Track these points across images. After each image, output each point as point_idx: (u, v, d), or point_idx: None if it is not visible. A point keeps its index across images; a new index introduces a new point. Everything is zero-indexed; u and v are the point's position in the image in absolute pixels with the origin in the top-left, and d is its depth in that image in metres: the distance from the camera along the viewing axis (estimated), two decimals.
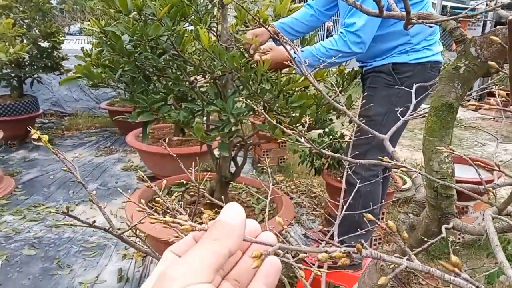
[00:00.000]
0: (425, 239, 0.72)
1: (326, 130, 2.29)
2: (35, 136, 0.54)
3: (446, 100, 0.64)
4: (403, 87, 1.58)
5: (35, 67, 4.24)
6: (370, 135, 1.09)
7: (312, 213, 3.06)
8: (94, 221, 0.50)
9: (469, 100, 7.60)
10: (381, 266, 0.79)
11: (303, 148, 2.52)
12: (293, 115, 1.59)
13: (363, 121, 0.84)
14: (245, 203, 2.24)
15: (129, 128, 3.63)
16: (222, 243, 0.29)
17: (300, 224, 2.85)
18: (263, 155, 3.68)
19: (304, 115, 1.43)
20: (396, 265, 0.73)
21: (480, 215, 2.53)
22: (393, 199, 2.68)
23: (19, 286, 2.01)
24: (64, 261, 2.24)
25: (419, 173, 0.57)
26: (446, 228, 0.66)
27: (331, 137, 2.28)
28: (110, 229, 0.51)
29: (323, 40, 1.68)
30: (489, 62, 0.41)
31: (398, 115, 0.93)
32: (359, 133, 1.06)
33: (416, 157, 4.36)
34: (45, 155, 3.89)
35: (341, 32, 1.64)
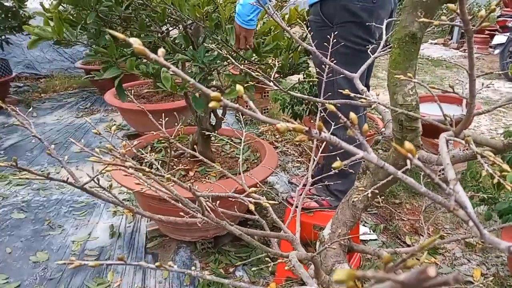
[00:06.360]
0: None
1: (304, 76, 2.25)
2: None
3: (409, 30, 0.62)
4: (334, 27, 1.51)
5: (1, 28, 4.04)
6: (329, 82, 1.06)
7: (298, 160, 3.11)
8: (49, 173, 0.49)
9: (451, 38, 7.54)
10: (353, 202, 0.81)
11: (283, 96, 2.50)
12: (268, 62, 1.55)
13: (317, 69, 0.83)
14: (229, 154, 2.25)
15: (108, 86, 3.54)
16: None
17: (286, 171, 2.91)
18: (246, 106, 3.66)
19: (276, 59, 1.39)
20: (363, 198, 0.76)
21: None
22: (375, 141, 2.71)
23: (12, 248, 2.04)
24: (54, 222, 2.26)
25: (378, 103, 0.57)
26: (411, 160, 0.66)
27: (310, 83, 2.25)
28: (70, 180, 0.51)
29: None
30: None
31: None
32: (330, 75, 1.05)
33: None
34: (24, 119, 3.81)
35: None
